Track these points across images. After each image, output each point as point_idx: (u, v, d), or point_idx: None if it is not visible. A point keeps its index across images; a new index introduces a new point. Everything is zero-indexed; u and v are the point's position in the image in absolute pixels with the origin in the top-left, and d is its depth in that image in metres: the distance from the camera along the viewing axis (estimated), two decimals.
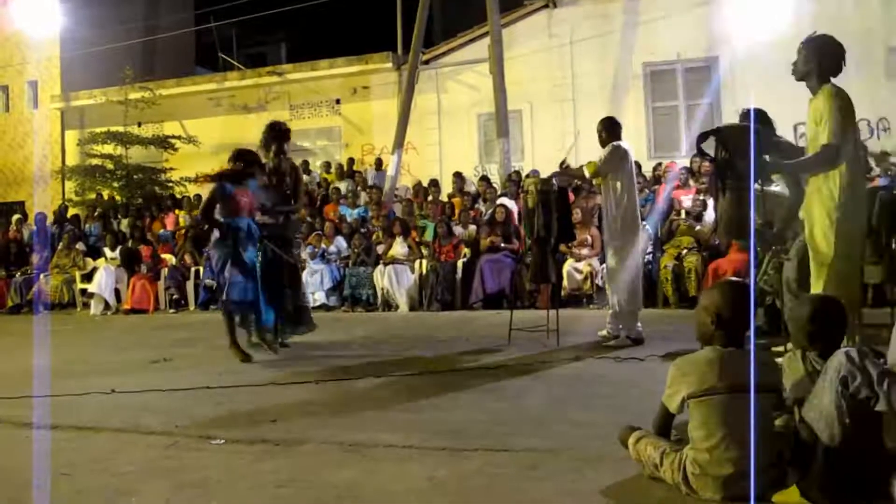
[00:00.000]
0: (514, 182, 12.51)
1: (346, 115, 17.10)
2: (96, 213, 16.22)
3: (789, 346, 3.82)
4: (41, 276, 13.56)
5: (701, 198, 10.29)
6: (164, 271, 12.95)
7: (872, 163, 9.56)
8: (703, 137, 5.31)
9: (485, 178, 13.49)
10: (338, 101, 17.14)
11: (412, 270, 11.37)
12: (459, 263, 11.15)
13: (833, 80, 4.61)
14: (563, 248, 9.19)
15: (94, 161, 17.46)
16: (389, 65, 16.43)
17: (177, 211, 15.21)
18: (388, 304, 11.32)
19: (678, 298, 9.64)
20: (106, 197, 17.34)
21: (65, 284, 13.48)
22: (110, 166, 17.32)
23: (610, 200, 6.90)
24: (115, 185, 17.33)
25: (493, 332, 7.98)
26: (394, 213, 13.10)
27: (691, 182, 11.13)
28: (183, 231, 14.06)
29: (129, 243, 13.79)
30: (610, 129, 7.04)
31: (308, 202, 8.99)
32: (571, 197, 9.46)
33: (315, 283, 11.57)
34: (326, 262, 11.84)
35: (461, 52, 15.84)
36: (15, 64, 19.74)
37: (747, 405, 2.84)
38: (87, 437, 4.37)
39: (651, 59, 14.42)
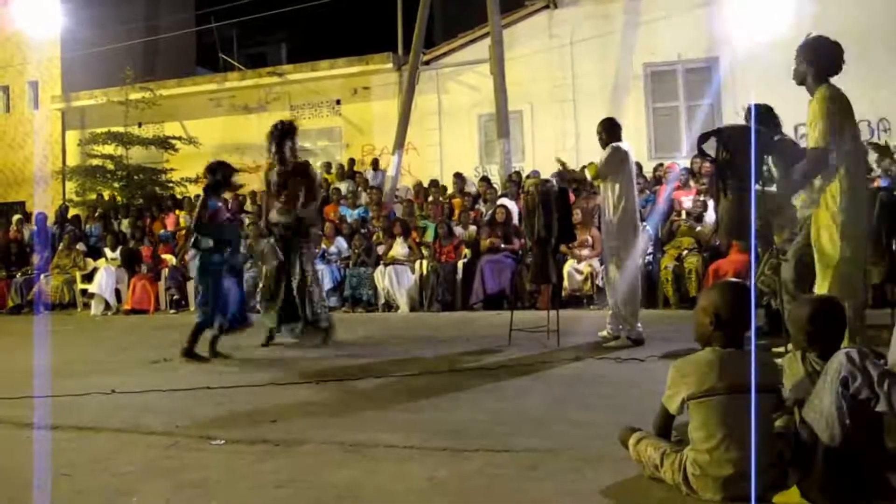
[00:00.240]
0: (514, 182, 12.51)
1: (346, 116, 17.11)
2: (97, 214, 16.23)
3: (789, 346, 3.82)
4: (42, 276, 13.56)
5: (701, 198, 10.29)
6: (165, 272, 12.94)
7: (873, 163, 9.57)
8: (703, 138, 5.31)
9: (485, 179, 13.49)
10: (338, 102, 17.15)
11: (412, 271, 11.37)
12: (460, 264, 11.15)
13: (832, 79, 4.60)
14: (563, 248, 9.19)
15: (95, 161, 17.46)
16: (390, 65, 16.43)
17: (177, 211, 15.22)
18: (389, 305, 11.32)
19: (679, 299, 9.64)
20: (106, 197, 17.35)
21: (65, 285, 13.49)
22: (111, 167, 17.33)
23: (609, 201, 6.90)
24: (116, 185, 17.34)
25: (493, 333, 7.98)
26: (394, 214, 13.11)
27: (692, 183, 11.13)
28: (184, 231, 14.06)
29: (130, 244, 13.80)
30: (610, 131, 7.04)
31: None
32: (572, 197, 9.45)
33: None
34: (327, 262, 11.84)
35: (462, 53, 15.84)
36: (15, 64, 19.75)
37: (747, 406, 2.84)
38: (87, 437, 4.37)
39: (652, 60, 14.42)
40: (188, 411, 4.87)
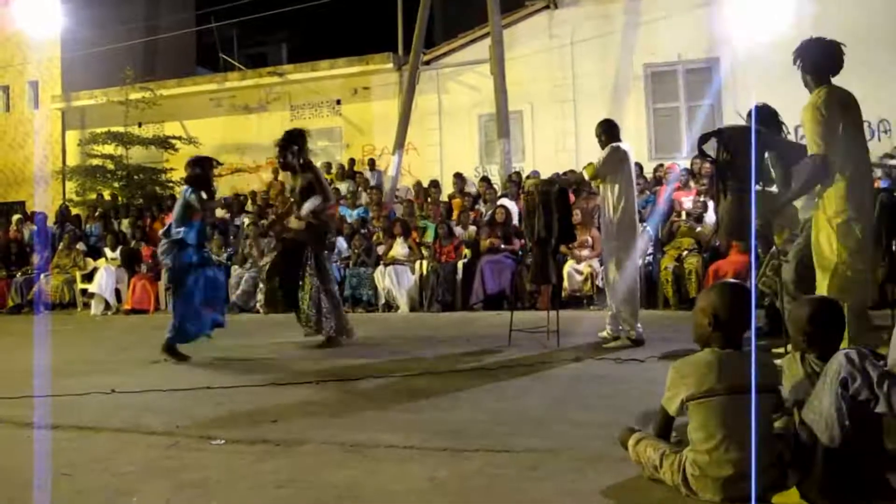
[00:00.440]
0: (514, 183, 12.51)
1: (346, 116, 17.11)
2: (97, 214, 16.23)
3: (789, 347, 3.82)
4: (42, 276, 13.57)
5: (702, 199, 10.29)
6: (165, 271, 12.93)
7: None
8: (704, 139, 5.32)
9: (485, 179, 13.50)
10: (338, 102, 17.15)
11: (413, 271, 11.37)
12: (460, 264, 11.15)
13: (833, 79, 4.59)
14: (563, 249, 9.19)
15: (95, 161, 17.47)
16: (390, 65, 16.43)
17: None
18: (389, 305, 11.33)
19: (678, 300, 9.64)
20: (107, 197, 17.35)
21: (65, 284, 13.49)
22: (111, 167, 17.34)
23: (609, 202, 6.91)
24: (116, 185, 17.34)
25: (493, 333, 7.98)
26: (394, 214, 13.11)
27: (692, 183, 11.13)
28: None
29: (130, 243, 13.80)
30: (608, 132, 7.04)
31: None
32: (572, 198, 9.45)
33: None
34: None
35: (462, 53, 15.85)
36: (16, 64, 19.76)
37: (746, 406, 2.84)
38: (87, 436, 4.38)
39: (652, 61, 14.42)
40: (188, 411, 4.87)
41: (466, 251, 11.37)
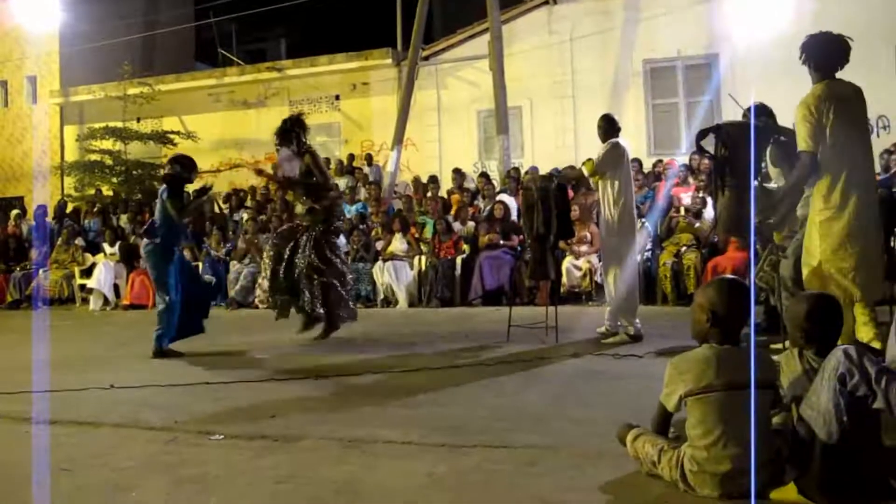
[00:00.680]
0: (513, 179, 12.51)
1: (345, 112, 17.10)
2: (95, 209, 16.22)
3: (787, 343, 3.83)
4: (40, 271, 13.56)
5: (700, 195, 10.29)
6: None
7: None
8: (702, 135, 5.32)
9: (484, 175, 13.49)
10: (337, 98, 17.13)
11: (411, 267, 11.37)
12: (458, 260, 11.15)
13: (837, 74, 4.56)
14: (562, 244, 9.19)
15: (93, 157, 17.45)
16: (389, 61, 16.41)
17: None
18: (388, 301, 11.33)
19: (677, 296, 9.65)
20: (106, 192, 17.33)
21: (64, 280, 13.48)
22: (109, 162, 17.31)
23: (607, 198, 6.91)
24: (115, 180, 17.32)
25: (492, 329, 7.98)
26: (393, 210, 13.10)
27: (691, 179, 11.13)
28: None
29: (129, 239, 13.79)
30: (608, 127, 7.04)
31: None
32: (571, 194, 9.45)
33: None
34: None
35: (461, 49, 15.83)
36: (14, 59, 19.72)
37: (744, 402, 2.85)
38: (86, 432, 4.38)
39: (651, 56, 14.40)
40: (187, 407, 4.87)
41: (465, 247, 11.37)
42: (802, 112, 4.45)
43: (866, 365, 2.77)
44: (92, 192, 17.41)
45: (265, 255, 7.79)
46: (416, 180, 14.56)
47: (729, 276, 5.06)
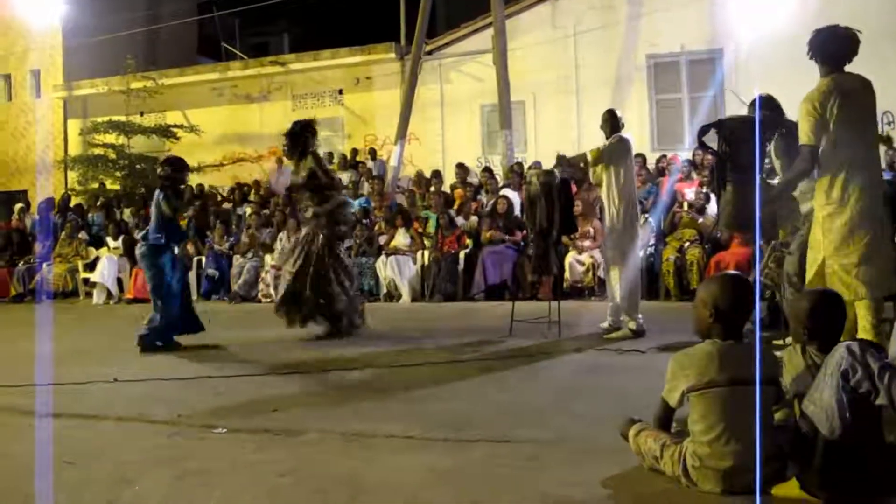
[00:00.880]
0: (516, 173, 12.49)
1: (348, 106, 17.07)
2: (99, 203, 16.23)
3: (789, 339, 3.82)
4: (44, 265, 13.57)
5: (704, 190, 10.27)
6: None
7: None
8: (704, 130, 5.30)
9: (487, 170, 13.48)
10: (340, 92, 17.10)
11: (414, 261, 11.38)
12: (462, 254, 11.14)
13: (846, 68, 4.50)
14: (565, 239, 9.18)
15: (97, 150, 17.44)
16: (392, 55, 16.37)
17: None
18: (391, 295, 11.33)
19: (680, 291, 9.63)
20: (110, 186, 17.33)
21: (68, 273, 13.49)
22: (112, 156, 17.31)
23: (611, 193, 6.90)
24: (118, 174, 17.32)
25: (494, 324, 7.98)
26: (396, 204, 13.09)
27: (694, 175, 11.11)
28: (186, 220, 14.07)
29: (133, 233, 13.79)
30: (613, 122, 7.03)
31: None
32: (574, 189, 9.44)
33: None
34: None
35: (464, 43, 15.78)
36: (17, 53, 19.70)
37: (747, 398, 2.85)
38: (89, 425, 4.40)
39: (655, 51, 14.35)
40: (190, 400, 4.89)
41: (468, 241, 11.37)
42: (806, 107, 4.43)
43: (869, 361, 2.77)
44: (95, 186, 17.41)
45: (286, 264, 7.77)
46: (420, 175, 14.55)
47: (732, 271, 5.06)
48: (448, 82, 15.97)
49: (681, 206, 10.56)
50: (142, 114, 17.65)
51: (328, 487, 3.18)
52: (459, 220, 11.86)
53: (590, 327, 7.27)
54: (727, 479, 2.90)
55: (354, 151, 16.11)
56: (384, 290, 11.38)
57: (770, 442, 2.91)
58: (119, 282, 12.99)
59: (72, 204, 16.37)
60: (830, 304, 3.22)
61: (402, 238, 11.58)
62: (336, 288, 7.47)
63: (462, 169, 13.76)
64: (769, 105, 5.69)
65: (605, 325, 7.08)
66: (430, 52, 15.87)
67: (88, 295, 13.17)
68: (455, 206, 12.40)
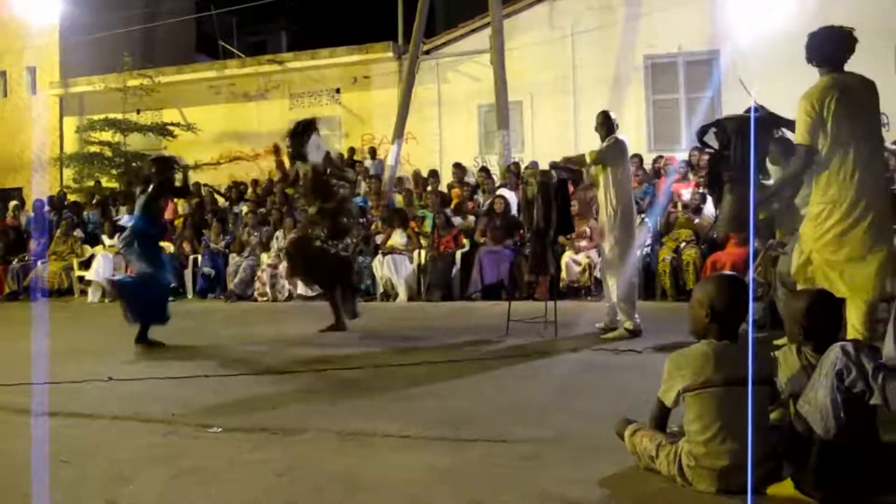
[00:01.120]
0: (513, 173, 12.49)
1: (346, 105, 17.07)
2: (94, 201, 16.20)
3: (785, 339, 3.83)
4: (39, 262, 13.54)
5: (700, 191, 10.28)
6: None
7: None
8: (704, 130, 5.31)
9: (484, 169, 13.48)
10: (338, 91, 17.09)
11: (411, 260, 11.37)
12: (458, 254, 11.15)
13: (846, 67, 4.46)
14: (561, 239, 9.19)
15: (93, 148, 17.41)
16: (390, 54, 16.38)
17: (175, 199, 15.17)
18: (387, 294, 11.33)
19: (676, 291, 9.64)
20: (104, 184, 17.30)
21: (63, 271, 13.46)
22: (109, 154, 17.28)
23: (608, 193, 6.91)
24: (114, 172, 17.29)
25: (491, 323, 7.98)
26: (393, 203, 13.09)
27: (691, 175, 11.12)
28: (182, 219, 14.06)
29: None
30: (609, 124, 7.04)
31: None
32: (571, 188, 9.44)
33: None
34: None
35: (462, 43, 15.79)
36: (14, 49, 19.65)
37: (743, 398, 2.85)
38: (85, 424, 4.39)
39: (652, 52, 14.37)
40: (186, 399, 4.88)
41: (465, 241, 11.37)
42: (803, 105, 4.40)
43: (864, 361, 2.78)
44: (91, 183, 17.38)
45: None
46: (417, 174, 14.55)
47: (728, 272, 5.07)
48: (445, 82, 15.97)
49: (676, 206, 10.58)
50: (138, 112, 17.62)
51: (325, 486, 3.18)
52: (457, 220, 11.86)
53: (586, 327, 7.28)
54: (723, 478, 2.90)
55: (352, 150, 16.11)
56: (381, 290, 11.37)
57: (765, 442, 2.91)
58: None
59: (67, 202, 16.33)
60: (826, 305, 3.23)
61: (398, 237, 11.58)
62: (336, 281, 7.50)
63: (459, 168, 13.76)
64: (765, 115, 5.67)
65: (602, 324, 7.08)
66: (427, 52, 15.87)
67: (83, 293, 13.14)
68: (452, 206, 12.40)
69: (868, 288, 4.30)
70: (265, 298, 11.65)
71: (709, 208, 9.90)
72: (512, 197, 11.56)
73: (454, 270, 11.10)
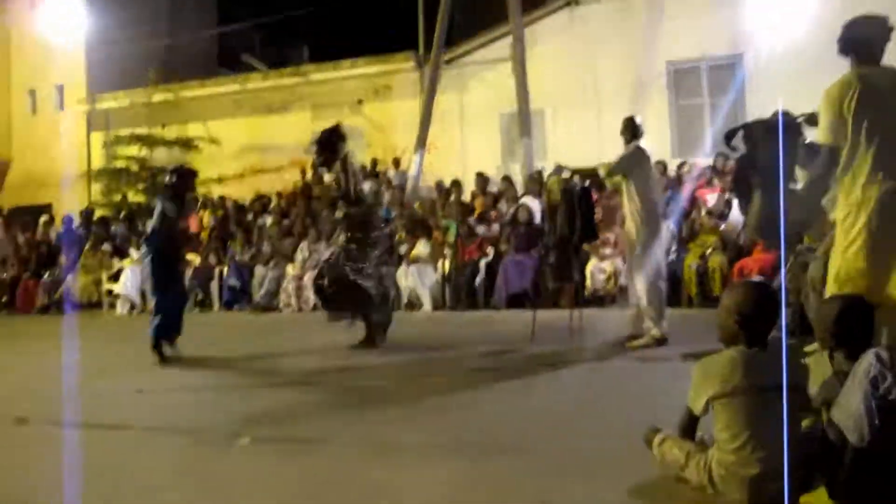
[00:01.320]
0: (536, 182, 12.47)
1: (368, 116, 17.13)
2: (122, 215, 16.39)
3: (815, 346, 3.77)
4: (68, 276, 13.72)
5: (725, 197, 10.21)
6: (189, 272, 13.02)
7: None
8: (731, 134, 5.26)
9: (507, 178, 13.47)
10: (360, 102, 17.17)
11: (435, 270, 11.38)
12: (482, 263, 11.14)
13: (881, 62, 4.22)
14: (586, 246, 9.15)
15: (120, 163, 17.62)
16: (411, 64, 16.43)
17: (201, 212, 15.32)
18: (412, 304, 11.34)
19: (702, 298, 9.56)
20: (131, 198, 17.49)
21: (92, 285, 13.63)
22: (135, 168, 17.48)
23: (633, 201, 6.86)
24: (140, 186, 17.48)
25: (516, 332, 7.96)
26: (416, 214, 13.10)
27: (716, 181, 11.04)
28: (207, 231, 14.18)
29: None
30: (633, 129, 7.01)
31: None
32: (594, 196, 9.40)
33: None
34: None
35: (483, 52, 15.81)
36: (41, 67, 19.95)
37: (772, 405, 2.82)
38: (115, 435, 4.43)
39: (674, 57, 14.31)
40: (214, 410, 4.91)
41: (490, 249, 11.36)
42: (823, 102, 4.19)
43: None
44: (118, 198, 17.59)
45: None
46: (439, 184, 14.57)
47: (755, 278, 5.02)
48: (467, 91, 15.99)
49: (701, 212, 10.50)
50: (163, 126, 17.80)
51: (351, 497, 3.18)
52: (480, 229, 11.86)
53: (612, 335, 7.23)
54: (753, 487, 2.86)
55: (374, 161, 16.16)
56: (405, 300, 11.38)
57: (797, 450, 2.87)
58: (142, 293, 13.08)
59: (95, 216, 16.52)
60: (858, 311, 3.18)
61: (422, 247, 11.59)
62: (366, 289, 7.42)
63: (481, 178, 13.77)
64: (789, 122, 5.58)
65: (628, 332, 7.03)
66: (448, 61, 15.91)
67: (112, 306, 13.29)
68: (475, 215, 12.40)
69: None
70: (290, 309, 11.71)
71: (734, 214, 9.81)
72: (535, 205, 11.54)
73: (478, 280, 11.09)
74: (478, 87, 15.93)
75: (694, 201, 10.80)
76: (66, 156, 19.28)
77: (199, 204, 14.27)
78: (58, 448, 4.20)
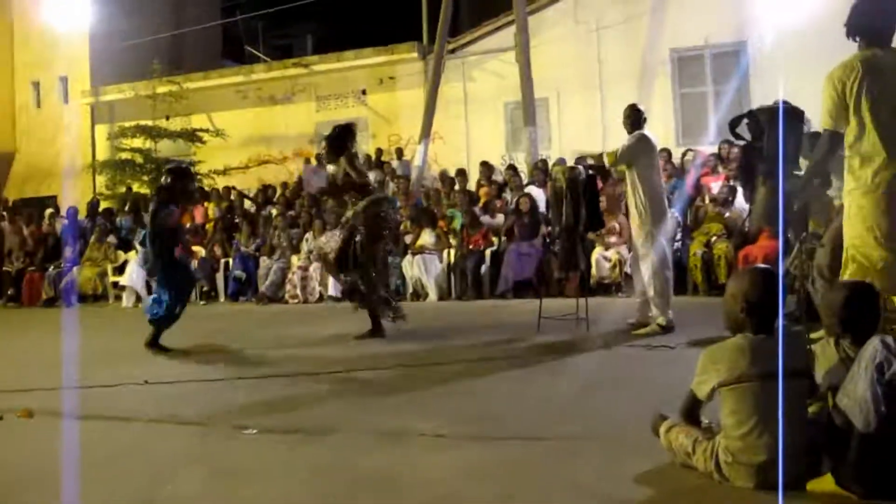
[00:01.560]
0: (541, 170, 12.45)
1: (372, 106, 17.11)
2: (127, 207, 16.40)
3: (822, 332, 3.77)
4: (73, 269, 13.75)
5: (730, 184, 10.18)
6: (194, 263, 13.03)
7: None
8: (736, 122, 5.25)
9: (512, 167, 13.45)
10: (364, 92, 17.14)
11: (441, 259, 11.39)
12: (488, 252, 11.14)
13: (891, 44, 4.16)
14: (591, 235, 9.14)
15: (124, 155, 17.64)
16: (415, 55, 16.40)
17: (206, 203, 15.34)
18: (417, 294, 11.35)
19: (708, 286, 9.56)
20: (136, 190, 17.51)
21: (97, 277, 13.66)
22: (140, 160, 17.49)
23: (637, 189, 6.85)
24: (145, 178, 17.50)
25: (522, 320, 7.97)
26: (421, 203, 13.10)
27: (720, 168, 11.02)
28: (213, 223, 14.19)
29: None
30: (635, 118, 6.99)
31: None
32: (599, 184, 9.38)
33: None
34: None
35: (487, 41, 15.76)
36: (45, 59, 19.95)
37: (779, 392, 2.82)
38: (121, 426, 4.45)
39: (678, 45, 14.25)
40: (220, 401, 4.93)
41: (495, 239, 11.37)
42: (825, 85, 4.14)
43: None
44: (123, 190, 17.61)
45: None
46: (444, 173, 14.56)
47: (761, 265, 5.00)
48: (471, 80, 15.95)
49: (705, 200, 10.48)
50: (168, 118, 17.80)
51: (360, 485, 3.19)
52: (485, 218, 11.85)
53: (617, 323, 7.24)
54: (760, 473, 2.87)
55: (379, 151, 16.14)
56: (410, 290, 11.40)
57: (803, 436, 2.88)
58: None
59: (100, 208, 16.55)
60: (864, 297, 3.18)
61: (427, 237, 11.59)
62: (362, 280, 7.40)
63: (486, 167, 13.75)
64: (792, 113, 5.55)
65: (634, 320, 7.04)
66: (452, 51, 15.87)
67: (118, 298, 13.32)
68: (480, 204, 12.39)
69: None
70: (296, 300, 11.74)
71: (738, 202, 9.80)
72: (539, 194, 11.53)
73: (484, 269, 11.09)
74: (482, 76, 15.89)
75: (698, 189, 10.78)
76: (70, 148, 19.30)
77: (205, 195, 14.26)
78: (65, 439, 4.22)
